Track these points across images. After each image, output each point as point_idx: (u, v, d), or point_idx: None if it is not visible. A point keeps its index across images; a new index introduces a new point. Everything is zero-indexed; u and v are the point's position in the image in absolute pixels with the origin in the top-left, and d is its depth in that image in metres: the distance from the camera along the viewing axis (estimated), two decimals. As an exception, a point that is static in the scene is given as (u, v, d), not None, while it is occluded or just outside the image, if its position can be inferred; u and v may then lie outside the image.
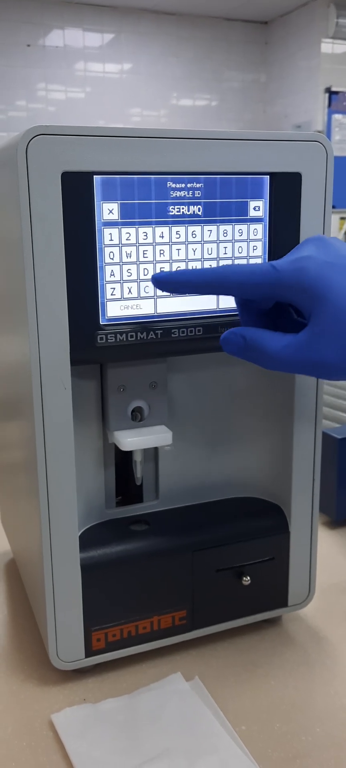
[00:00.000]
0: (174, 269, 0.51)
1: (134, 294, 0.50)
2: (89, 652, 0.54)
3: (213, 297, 0.53)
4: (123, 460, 0.58)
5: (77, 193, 0.47)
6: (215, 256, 0.52)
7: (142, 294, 0.50)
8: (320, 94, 4.56)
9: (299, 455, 0.57)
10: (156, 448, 0.58)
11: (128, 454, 0.57)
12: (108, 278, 0.49)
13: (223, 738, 0.47)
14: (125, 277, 0.50)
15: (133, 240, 0.49)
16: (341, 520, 0.78)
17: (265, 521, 0.58)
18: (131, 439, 0.53)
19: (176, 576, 0.55)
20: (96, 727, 0.49)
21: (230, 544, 0.56)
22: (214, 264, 0.52)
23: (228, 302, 0.53)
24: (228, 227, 0.52)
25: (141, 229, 0.49)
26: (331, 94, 4.53)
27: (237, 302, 0.50)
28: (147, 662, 0.56)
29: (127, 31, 4.70)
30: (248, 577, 0.56)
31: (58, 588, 0.51)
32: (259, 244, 0.53)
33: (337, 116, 4.55)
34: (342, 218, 3.89)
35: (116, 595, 0.54)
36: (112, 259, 0.49)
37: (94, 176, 0.47)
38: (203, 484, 0.60)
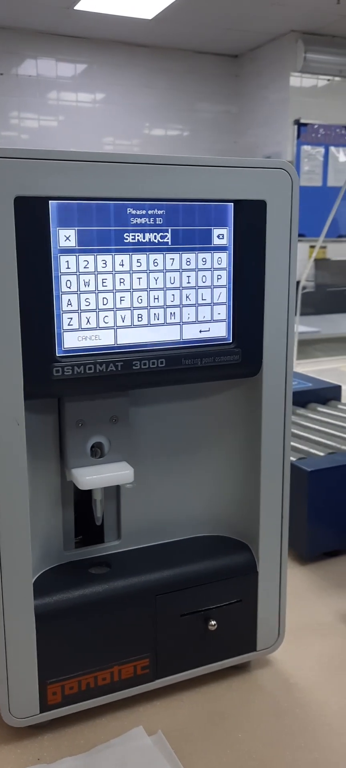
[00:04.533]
0: (135, 298, 0.49)
1: (93, 324, 0.48)
2: (44, 707, 0.50)
3: (176, 327, 0.50)
4: (83, 498, 0.55)
5: (32, 218, 0.44)
6: (178, 285, 0.50)
7: (101, 324, 0.48)
8: (290, 126, 4.64)
9: (267, 490, 0.55)
10: (117, 486, 0.55)
11: (88, 492, 0.54)
12: (65, 307, 0.47)
13: (187, 799, 0.44)
14: (83, 307, 0.47)
15: (91, 268, 0.47)
16: (312, 555, 0.76)
17: (232, 561, 0.56)
18: (90, 477, 0.50)
19: (138, 622, 0.52)
20: (50, 791, 0.45)
21: (195, 586, 0.53)
22: (177, 294, 0.50)
23: (192, 333, 0.51)
24: (191, 255, 0.50)
25: (100, 257, 0.47)
26: (300, 126, 4.63)
27: None
28: (107, 715, 0.52)
29: (100, 62, 4.72)
30: (214, 622, 0.54)
31: (10, 637, 0.48)
32: (223, 273, 0.51)
33: (306, 147, 4.65)
34: (311, 246, 3.94)
35: (74, 645, 0.50)
36: (69, 287, 0.47)
37: (50, 201, 0.45)
38: (166, 522, 0.57)
